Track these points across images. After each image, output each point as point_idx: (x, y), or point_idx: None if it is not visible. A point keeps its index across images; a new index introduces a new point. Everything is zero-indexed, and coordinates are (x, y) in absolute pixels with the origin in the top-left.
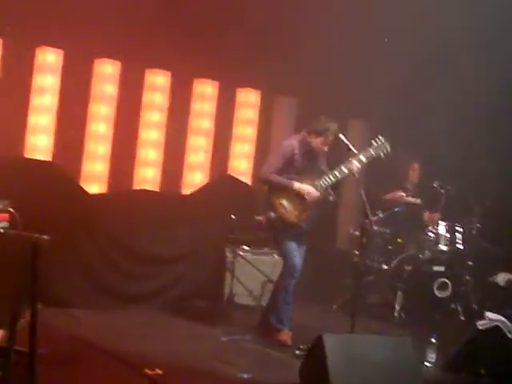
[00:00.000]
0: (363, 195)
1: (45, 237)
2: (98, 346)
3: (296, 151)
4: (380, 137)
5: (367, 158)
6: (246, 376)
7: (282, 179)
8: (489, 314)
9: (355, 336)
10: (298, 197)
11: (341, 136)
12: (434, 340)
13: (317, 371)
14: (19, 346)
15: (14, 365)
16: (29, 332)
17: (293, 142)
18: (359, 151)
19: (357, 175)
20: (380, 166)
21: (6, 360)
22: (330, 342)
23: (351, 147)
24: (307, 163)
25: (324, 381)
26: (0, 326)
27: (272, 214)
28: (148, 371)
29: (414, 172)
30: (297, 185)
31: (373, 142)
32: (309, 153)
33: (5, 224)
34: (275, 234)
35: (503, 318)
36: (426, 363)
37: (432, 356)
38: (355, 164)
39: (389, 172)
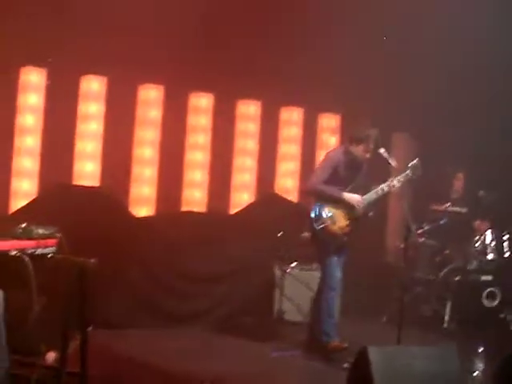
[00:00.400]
0: (406, 208)
1: (92, 260)
2: (147, 365)
3: (341, 162)
4: (416, 159)
5: (405, 177)
6: None
7: (331, 189)
8: None
9: (399, 347)
10: (345, 208)
11: (381, 151)
12: (480, 349)
13: (362, 383)
14: (71, 368)
15: None
16: (80, 353)
17: (337, 153)
18: (398, 166)
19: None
20: (426, 177)
21: (58, 381)
22: (375, 354)
23: (390, 161)
24: (350, 174)
25: None
26: (52, 348)
27: (318, 226)
28: None
29: (459, 182)
30: (346, 195)
31: (409, 164)
32: (352, 163)
33: (53, 249)
34: (319, 246)
35: None
36: (474, 373)
37: (479, 365)
38: (395, 183)
39: (434, 183)
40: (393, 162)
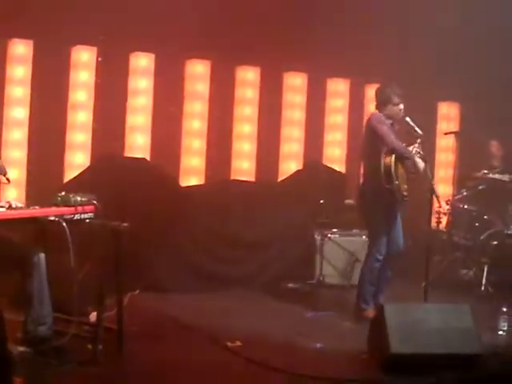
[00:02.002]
0: (429, 173)
1: (124, 224)
2: (184, 323)
3: (386, 123)
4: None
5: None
6: (318, 346)
7: (408, 149)
8: None
9: (415, 304)
10: (408, 169)
11: (406, 119)
12: (504, 309)
13: (379, 338)
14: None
15: (106, 341)
16: (117, 312)
17: (381, 116)
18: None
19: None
20: (466, 145)
21: (96, 336)
22: (390, 311)
23: (417, 129)
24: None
25: (385, 346)
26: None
27: (397, 183)
28: (229, 343)
29: (494, 148)
30: (417, 157)
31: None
32: (391, 125)
33: (90, 215)
34: (375, 212)
35: None
36: (499, 331)
37: (504, 324)
38: (420, 151)
39: (475, 151)
40: (419, 130)
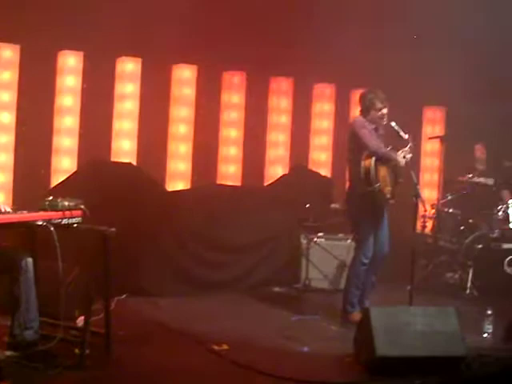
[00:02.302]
0: (414, 177)
1: (112, 229)
2: (171, 326)
3: (369, 127)
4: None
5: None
6: (305, 349)
7: (390, 152)
8: None
9: (400, 307)
10: (392, 172)
11: (392, 124)
12: (489, 312)
13: (365, 341)
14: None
15: (93, 345)
16: (104, 316)
17: (363, 120)
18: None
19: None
20: (451, 149)
21: (83, 339)
22: (376, 314)
23: (402, 133)
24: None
25: (371, 349)
26: (83, 313)
27: (378, 186)
28: (215, 347)
29: (479, 152)
30: (400, 159)
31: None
32: (375, 131)
33: (78, 219)
34: (362, 217)
35: None
36: (484, 334)
37: (489, 327)
38: (407, 155)
39: (459, 155)
40: (404, 135)
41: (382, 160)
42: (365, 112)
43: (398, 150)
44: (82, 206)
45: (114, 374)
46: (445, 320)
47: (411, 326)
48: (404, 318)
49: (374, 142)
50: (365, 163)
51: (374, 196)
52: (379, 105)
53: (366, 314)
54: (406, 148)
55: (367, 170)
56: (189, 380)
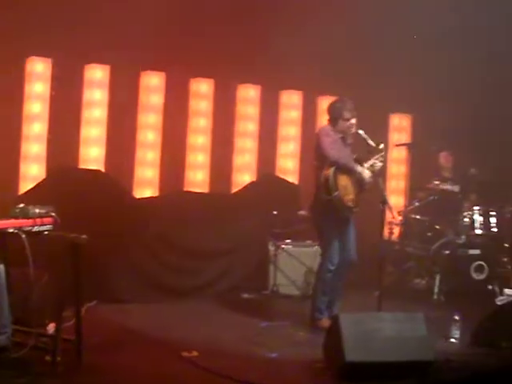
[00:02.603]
0: (380, 184)
1: (83, 236)
2: (141, 333)
3: (335, 136)
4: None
5: (384, 157)
6: (274, 355)
7: (350, 160)
8: (507, 291)
9: (369, 313)
10: (355, 180)
11: (359, 132)
12: (457, 317)
13: (335, 347)
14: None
15: (64, 352)
16: (75, 323)
17: (329, 129)
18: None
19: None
20: (417, 156)
21: (55, 347)
22: (346, 320)
23: (370, 142)
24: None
25: (341, 355)
26: (54, 320)
27: (336, 194)
28: (186, 353)
29: (445, 159)
30: (360, 168)
31: (380, 146)
32: (343, 141)
33: (49, 227)
34: (326, 224)
35: None
36: (451, 339)
37: (456, 332)
38: (378, 163)
39: (425, 162)
40: (372, 143)
41: (342, 170)
42: (333, 121)
43: (369, 159)
44: (53, 214)
45: (86, 381)
46: (413, 325)
47: (380, 331)
48: (373, 324)
49: (333, 151)
50: (325, 172)
51: (335, 204)
52: (347, 115)
53: (335, 320)
54: (377, 156)
55: (326, 179)
56: None
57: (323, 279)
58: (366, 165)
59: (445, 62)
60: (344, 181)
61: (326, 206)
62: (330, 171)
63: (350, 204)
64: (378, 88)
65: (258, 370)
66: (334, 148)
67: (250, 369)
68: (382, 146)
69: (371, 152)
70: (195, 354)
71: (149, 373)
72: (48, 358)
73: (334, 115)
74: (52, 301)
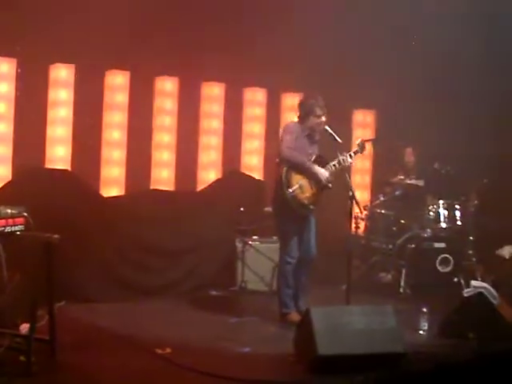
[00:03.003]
0: (347, 179)
1: (55, 236)
2: (113, 332)
3: (300, 134)
4: (360, 138)
5: (354, 153)
6: (246, 350)
7: (304, 158)
8: (474, 283)
9: (340, 307)
10: (312, 179)
11: (326, 128)
12: (424, 310)
13: (307, 340)
14: (44, 336)
15: (38, 352)
16: (49, 323)
17: (296, 125)
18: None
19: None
20: (382, 152)
21: (29, 347)
22: (317, 314)
23: (336, 137)
24: (309, 146)
25: (313, 348)
26: (27, 320)
27: (290, 192)
28: (159, 350)
29: (409, 155)
30: (317, 168)
31: (356, 142)
32: (308, 136)
33: (21, 227)
34: (284, 215)
35: (487, 285)
36: (419, 331)
37: (424, 324)
38: (348, 159)
39: (390, 157)
40: (338, 139)
41: (296, 169)
42: (304, 118)
43: (336, 157)
44: (25, 214)
45: (61, 380)
46: (383, 318)
47: (351, 324)
48: (344, 318)
49: (287, 150)
50: (279, 170)
51: (289, 202)
52: (319, 111)
53: (306, 314)
54: (350, 152)
55: (280, 177)
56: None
57: (284, 272)
58: (333, 162)
59: (407, 58)
60: (299, 179)
61: (283, 202)
62: (284, 170)
63: (306, 202)
64: (342, 84)
65: (231, 364)
66: (290, 147)
67: (223, 364)
68: (358, 141)
69: (339, 148)
70: (168, 350)
71: (124, 370)
72: (22, 358)
73: (306, 111)
74: (25, 301)
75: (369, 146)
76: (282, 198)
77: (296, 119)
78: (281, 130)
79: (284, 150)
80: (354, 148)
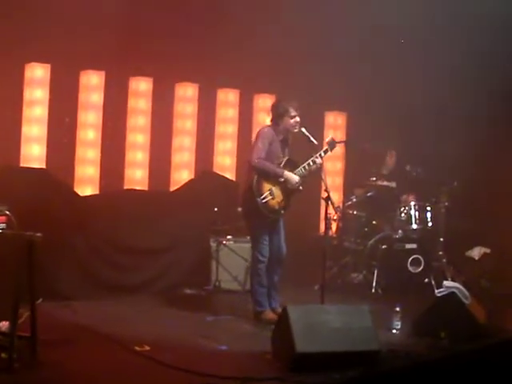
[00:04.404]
0: (324, 179)
1: (38, 234)
2: (90, 330)
3: (273, 138)
4: (330, 135)
5: (325, 152)
6: (223, 348)
7: (274, 167)
8: (446, 283)
9: (317, 306)
10: (283, 185)
11: (302, 129)
12: (397, 309)
13: (284, 338)
14: (24, 333)
15: (19, 349)
16: (30, 321)
17: (269, 130)
18: (320, 143)
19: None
20: (357, 154)
21: (11, 345)
22: (294, 312)
23: (312, 139)
24: (281, 149)
25: (291, 346)
26: (6, 318)
27: (261, 200)
28: (137, 348)
29: (392, 158)
30: (287, 173)
31: (326, 140)
32: (282, 138)
33: (3, 225)
34: (255, 219)
35: (459, 286)
36: (392, 330)
37: (397, 323)
38: (318, 159)
39: (366, 159)
40: (314, 140)
41: (266, 177)
42: (278, 119)
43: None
44: (8, 212)
45: (43, 377)
46: (359, 317)
47: (328, 323)
48: (321, 316)
49: (257, 160)
50: (250, 177)
51: (260, 208)
52: (293, 112)
53: (283, 312)
54: (320, 152)
55: (250, 185)
56: (115, 380)
57: (257, 271)
58: (303, 165)
59: (378, 60)
60: (269, 187)
61: (254, 209)
62: (254, 178)
63: (277, 207)
64: (314, 86)
65: (210, 362)
66: (260, 157)
67: (202, 361)
68: (329, 138)
69: (315, 150)
70: (147, 348)
71: (103, 367)
72: (4, 355)
73: (280, 112)
74: (6, 299)
75: (340, 148)
76: (253, 205)
77: (269, 122)
78: (254, 135)
79: (254, 160)
80: (325, 147)
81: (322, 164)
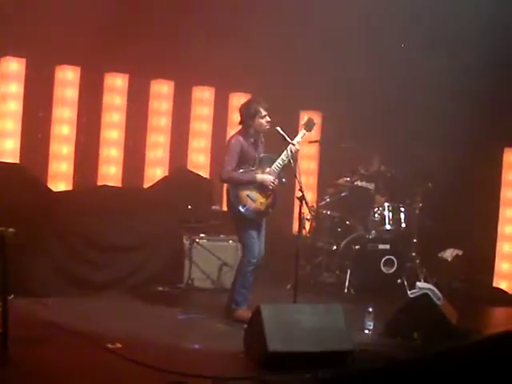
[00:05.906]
0: (298, 176)
1: (10, 230)
2: (62, 326)
3: (243, 143)
4: (306, 116)
5: (302, 137)
6: (196, 346)
7: (243, 175)
8: (419, 284)
9: (290, 305)
10: (261, 187)
11: (277, 128)
12: (370, 309)
13: (257, 337)
14: None
15: None
16: (1, 317)
17: (238, 137)
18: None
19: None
20: (331, 153)
21: None
22: (267, 311)
23: (287, 138)
24: (254, 150)
25: (263, 345)
26: None
27: (242, 208)
28: (109, 345)
29: (376, 161)
30: (259, 176)
31: (302, 122)
32: (253, 140)
33: None
34: (241, 224)
35: (432, 287)
36: (365, 330)
37: (370, 323)
38: (294, 146)
39: (344, 159)
40: (289, 139)
41: (240, 185)
42: (248, 120)
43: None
44: None
45: (14, 374)
46: (332, 317)
47: (301, 322)
48: (294, 315)
49: (227, 173)
50: (227, 189)
51: (246, 215)
52: (263, 112)
53: (256, 311)
54: (297, 137)
55: (228, 197)
56: (87, 377)
57: (245, 272)
58: (279, 160)
59: (354, 59)
60: (247, 193)
61: (240, 217)
62: (230, 189)
63: (262, 208)
64: (289, 85)
65: (182, 360)
66: (228, 170)
67: (174, 359)
68: (305, 119)
69: (292, 148)
70: (119, 345)
71: (75, 364)
72: None
73: (251, 113)
74: None
75: (315, 147)
76: (238, 214)
77: (238, 124)
78: (228, 133)
79: (223, 175)
80: (301, 131)
81: (298, 150)
